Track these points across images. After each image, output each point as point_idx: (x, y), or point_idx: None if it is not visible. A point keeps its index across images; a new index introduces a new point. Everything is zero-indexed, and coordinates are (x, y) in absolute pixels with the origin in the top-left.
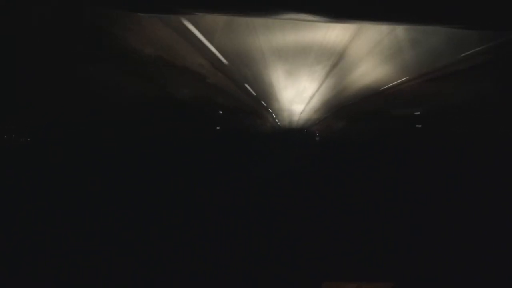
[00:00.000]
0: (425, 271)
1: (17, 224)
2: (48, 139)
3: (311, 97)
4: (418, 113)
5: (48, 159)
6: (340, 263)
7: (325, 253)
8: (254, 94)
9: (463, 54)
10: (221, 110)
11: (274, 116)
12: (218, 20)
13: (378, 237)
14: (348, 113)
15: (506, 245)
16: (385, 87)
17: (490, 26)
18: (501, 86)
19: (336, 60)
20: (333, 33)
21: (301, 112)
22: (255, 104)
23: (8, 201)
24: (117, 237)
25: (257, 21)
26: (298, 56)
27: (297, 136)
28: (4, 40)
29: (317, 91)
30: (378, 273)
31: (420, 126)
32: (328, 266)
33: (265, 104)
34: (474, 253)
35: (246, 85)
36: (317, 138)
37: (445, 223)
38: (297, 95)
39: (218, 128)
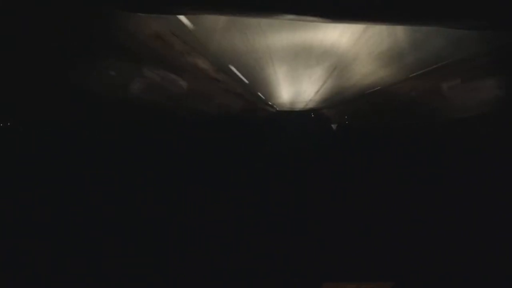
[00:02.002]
0: (425, 271)
1: (16, 224)
2: (46, 138)
3: (312, 97)
4: (418, 112)
5: (46, 158)
6: (340, 263)
7: (325, 253)
8: (256, 92)
9: (463, 55)
10: (221, 106)
11: (275, 112)
12: (218, 19)
13: (378, 237)
14: (348, 112)
15: (506, 245)
16: (384, 86)
17: (490, 26)
18: (501, 86)
19: (337, 60)
20: (334, 34)
21: (302, 111)
22: (256, 100)
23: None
24: (117, 236)
25: (258, 21)
26: (299, 57)
27: (298, 126)
28: (4, 40)
29: (317, 91)
30: (378, 273)
31: (419, 126)
32: (328, 266)
33: (267, 101)
34: (474, 253)
35: (248, 82)
36: (329, 125)
37: (445, 223)
38: (298, 94)
39: (221, 123)
